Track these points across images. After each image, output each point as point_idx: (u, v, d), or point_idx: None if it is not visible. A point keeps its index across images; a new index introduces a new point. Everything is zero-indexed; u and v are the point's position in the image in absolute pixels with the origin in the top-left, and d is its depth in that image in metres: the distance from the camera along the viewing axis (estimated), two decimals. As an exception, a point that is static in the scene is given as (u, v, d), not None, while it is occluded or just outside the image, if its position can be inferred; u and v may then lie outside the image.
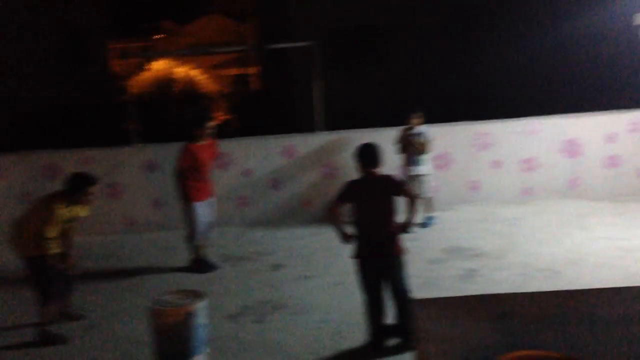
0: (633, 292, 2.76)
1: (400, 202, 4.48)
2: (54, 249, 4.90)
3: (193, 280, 6.03)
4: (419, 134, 7.18)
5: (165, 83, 33.13)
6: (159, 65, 35.03)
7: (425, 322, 2.52)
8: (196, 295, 3.54)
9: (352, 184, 4.54)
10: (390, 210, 4.42)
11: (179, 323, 3.38)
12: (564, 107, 8.54)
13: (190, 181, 6.19)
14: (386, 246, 4.41)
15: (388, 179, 4.54)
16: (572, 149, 7.80)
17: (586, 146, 7.81)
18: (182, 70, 35.24)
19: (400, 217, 4.46)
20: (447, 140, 7.85)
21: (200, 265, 6.40)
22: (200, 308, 3.48)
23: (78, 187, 4.89)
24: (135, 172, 7.81)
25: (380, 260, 4.44)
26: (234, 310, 5.34)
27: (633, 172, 7.85)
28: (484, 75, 14.49)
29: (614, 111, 7.98)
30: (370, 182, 4.48)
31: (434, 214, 7.32)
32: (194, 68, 36.17)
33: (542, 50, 13.19)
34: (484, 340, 2.35)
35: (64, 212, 4.84)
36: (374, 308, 4.52)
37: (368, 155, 4.52)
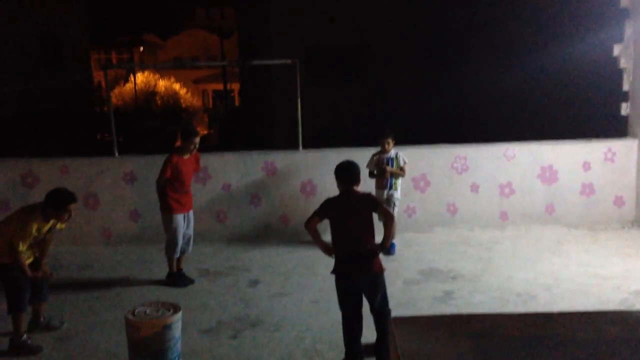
0: (607, 317, 2.81)
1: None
2: (27, 258, 4.84)
3: (169, 294, 5.97)
4: (392, 158, 7.08)
5: (147, 96, 33.06)
6: (140, 78, 34.96)
7: (403, 340, 2.52)
8: (172, 308, 3.51)
9: (331, 201, 4.59)
10: (369, 228, 4.45)
11: (155, 335, 3.34)
12: (542, 134, 8.71)
13: (171, 192, 6.18)
14: (365, 263, 4.41)
15: (367, 196, 4.62)
16: (548, 175, 7.93)
17: (562, 173, 7.94)
18: (163, 84, 35.22)
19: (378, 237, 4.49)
20: (426, 162, 7.92)
21: (177, 278, 6.35)
22: (177, 321, 3.45)
23: (58, 204, 4.81)
24: (114, 184, 7.73)
25: (359, 277, 4.44)
26: (210, 325, 5.29)
27: (608, 201, 7.99)
28: (462, 98, 14.72)
29: (591, 139, 8.14)
30: (349, 199, 4.52)
31: (394, 240, 7.15)
32: (175, 82, 36.18)
33: (521, 78, 13.45)
34: (462, 359, 2.37)
35: (40, 226, 4.79)
36: (350, 326, 4.51)
37: (348, 172, 4.58)
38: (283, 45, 15.88)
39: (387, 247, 4.53)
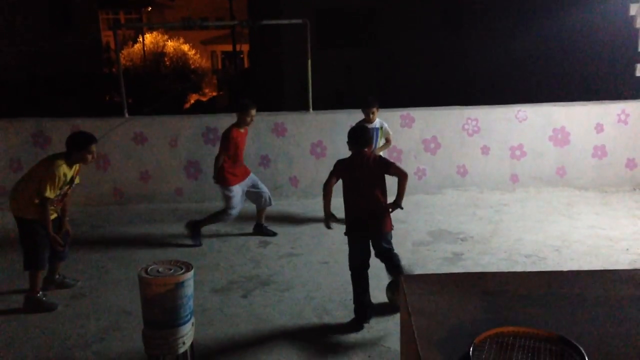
0: (616, 276, 2.82)
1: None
2: (52, 213, 4.89)
3: (181, 253, 6.04)
4: (377, 129, 6.59)
5: (155, 57, 32.84)
6: (149, 39, 34.69)
7: (413, 297, 2.55)
8: (185, 266, 3.55)
9: (344, 162, 4.69)
10: (380, 188, 4.56)
11: (167, 293, 3.39)
12: (555, 96, 8.60)
13: (228, 166, 6.23)
14: (377, 222, 4.56)
15: (379, 158, 4.70)
16: (560, 137, 7.86)
17: (575, 135, 7.87)
18: (172, 45, 34.94)
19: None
20: (437, 124, 7.87)
21: (264, 229, 6.68)
22: (189, 279, 3.49)
23: (80, 144, 4.85)
24: (123, 144, 7.76)
25: (370, 235, 4.60)
26: (221, 285, 5.37)
27: (620, 163, 7.94)
28: (475, 61, 14.51)
29: (604, 101, 8.04)
30: (362, 161, 4.59)
31: None
32: (184, 43, 35.87)
33: (535, 40, 13.22)
34: (471, 316, 2.39)
35: (65, 170, 4.81)
36: (360, 285, 4.63)
37: (360, 135, 4.70)
38: (293, 6, 15.64)
39: (400, 205, 4.62)
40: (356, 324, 4.57)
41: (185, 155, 7.78)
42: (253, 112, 6.25)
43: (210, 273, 5.61)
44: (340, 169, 4.66)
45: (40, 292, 5.01)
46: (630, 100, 8.03)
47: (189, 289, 3.54)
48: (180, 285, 3.45)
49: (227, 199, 6.33)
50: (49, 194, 4.74)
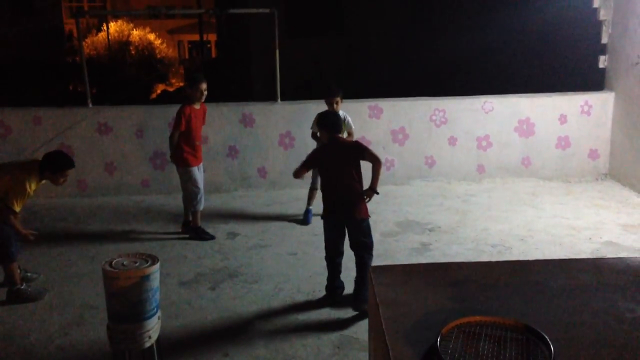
0: (579, 265, 2.86)
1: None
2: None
3: (146, 246, 5.95)
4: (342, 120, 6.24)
5: (121, 46, 32.23)
6: (114, 27, 34.01)
7: (380, 288, 2.55)
8: (150, 258, 3.49)
9: (319, 150, 4.87)
10: (356, 173, 4.63)
11: (133, 286, 3.33)
12: (521, 88, 8.70)
13: (185, 146, 6.01)
14: (352, 208, 4.61)
15: (354, 143, 4.80)
16: (525, 128, 7.97)
17: (539, 126, 7.99)
18: (137, 34, 34.33)
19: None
20: (405, 115, 7.90)
21: (201, 232, 6.27)
22: (155, 272, 3.43)
23: (56, 166, 4.74)
24: (87, 135, 7.59)
25: (345, 222, 4.66)
26: (188, 277, 5.31)
27: (583, 153, 8.09)
28: (442, 51, 14.60)
29: (568, 93, 8.17)
30: (337, 147, 4.68)
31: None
32: (150, 32, 35.27)
33: (501, 31, 13.35)
34: (438, 306, 2.40)
35: (34, 186, 4.71)
36: (332, 270, 4.77)
37: (333, 122, 4.78)
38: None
39: (376, 190, 4.70)
40: (326, 300, 4.75)
41: (151, 146, 7.65)
42: (203, 86, 5.97)
43: (177, 265, 5.54)
44: (313, 160, 4.76)
45: (24, 285, 4.93)
46: (594, 91, 8.18)
47: (155, 282, 3.48)
48: (145, 278, 3.39)
49: (188, 180, 6.12)
50: (16, 207, 4.64)
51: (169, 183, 7.64)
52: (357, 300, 4.66)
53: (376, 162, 4.66)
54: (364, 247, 4.68)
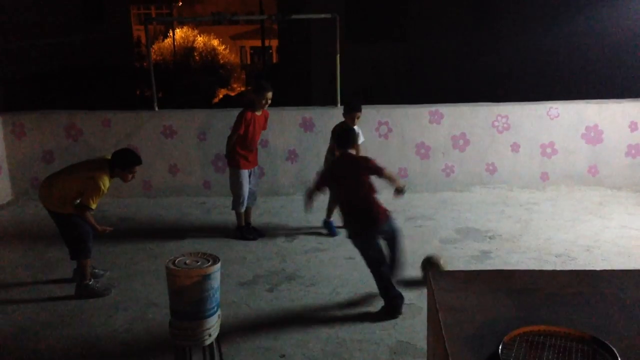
0: (652, 277, 2.74)
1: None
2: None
3: (208, 246, 6.08)
4: (358, 133, 6.16)
5: (185, 51, 33.11)
6: (179, 34, 34.99)
7: (441, 293, 2.52)
8: (212, 258, 3.56)
9: (330, 169, 5.00)
10: (369, 184, 4.68)
11: (194, 285, 3.41)
12: (588, 94, 8.42)
13: (240, 149, 6.19)
14: (372, 217, 4.62)
15: (367, 160, 4.80)
16: (593, 135, 7.71)
17: (607, 133, 7.71)
18: (202, 40, 35.19)
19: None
20: (466, 120, 7.78)
21: (245, 231, 6.43)
22: (216, 271, 3.51)
23: (126, 164, 4.94)
24: (153, 137, 7.83)
25: (372, 232, 4.66)
26: (247, 278, 5.39)
27: (654, 162, 7.75)
28: (506, 56, 14.30)
29: (638, 99, 7.85)
30: (349, 161, 4.80)
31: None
32: (214, 38, 36.10)
33: (568, 36, 12.98)
34: (500, 313, 2.35)
35: (108, 183, 4.90)
36: (382, 280, 4.67)
37: (349, 137, 4.90)
38: (322, 0, 15.60)
39: (402, 188, 4.80)
40: (390, 314, 4.63)
41: (213, 148, 7.82)
42: (269, 94, 6.08)
43: (236, 266, 5.64)
44: (324, 180, 4.86)
45: (92, 280, 5.13)
46: (667, 98, 7.83)
47: (216, 282, 3.55)
48: (207, 277, 3.46)
49: (235, 181, 6.28)
50: (93, 205, 4.85)
51: (229, 185, 7.76)
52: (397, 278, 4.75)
53: (381, 171, 4.68)
54: (393, 234, 4.76)
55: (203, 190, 7.91)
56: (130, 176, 5.01)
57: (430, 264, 5.14)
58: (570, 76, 12.77)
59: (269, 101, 6.16)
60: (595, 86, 10.63)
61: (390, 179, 4.72)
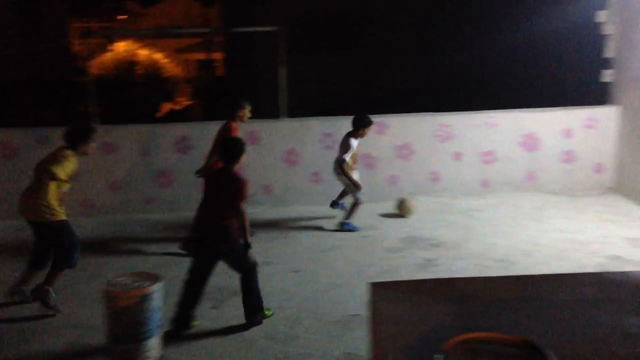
0: (584, 279, 2.83)
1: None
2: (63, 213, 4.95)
3: (149, 265, 5.94)
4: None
5: (128, 65, 32.48)
6: (121, 47, 34.31)
7: (383, 304, 2.52)
8: (152, 278, 3.48)
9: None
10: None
11: (134, 306, 3.32)
12: (525, 103, 8.70)
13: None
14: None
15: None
16: (530, 143, 7.95)
17: (544, 140, 7.97)
18: (144, 53, 34.59)
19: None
20: (410, 130, 7.90)
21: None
22: (156, 291, 3.43)
23: (82, 136, 5.02)
24: (93, 153, 7.58)
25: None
26: (191, 295, 5.27)
27: (588, 167, 8.05)
28: (447, 67, 14.64)
29: (572, 107, 8.16)
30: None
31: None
32: (157, 51, 35.55)
33: (504, 47, 13.40)
34: (440, 322, 2.37)
35: (74, 160, 4.95)
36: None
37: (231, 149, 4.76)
38: (268, 13, 15.60)
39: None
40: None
41: (156, 164, 7.67)
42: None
43: (180, 284, 5.50)
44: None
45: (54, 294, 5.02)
46: (597, 105, 8.16)
47: (156, 302, 3.48)
48: (146, 297, 3.39)
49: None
50: (61, 174, 4.82)
51: (174, 201, 7.65)
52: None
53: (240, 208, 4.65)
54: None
55: (145, 207, 7.74)
56: (93, 145, 5.16)
57: (403, 205, 7.09)
58: (508, 86, 13.17)
59: (249, 114, 6.51)
60: (532, 95, 10.99)
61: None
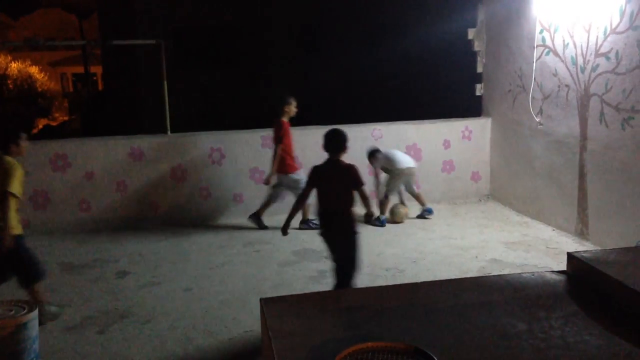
0: (464, 284, 2.97)
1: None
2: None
3: (23, 292, 5.51)
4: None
5: (-3, 79, 30.31)
6: (-11, 60, 31.97)
7: (272, 319, 2.51)
8: (27, 305, 3.24)
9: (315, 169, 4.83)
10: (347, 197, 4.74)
11: (8, 336, 3.07)
12: (408, 115, 9.06)
13: (288, 157, 7.09)
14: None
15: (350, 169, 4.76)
16: (413, 153, 8.27)
17: (426, 151, 8.33)
18: (16, 66, 32.48)
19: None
20: (297, 143, 7.93)
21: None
22: (32, 319, 3.19)
23: (10, 138, 4.65)
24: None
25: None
26: (74, 322, 4.97)
27: (466, 176, 8.52)
28: (331, 81, 14.97)
29: (450, 119, 8.61)
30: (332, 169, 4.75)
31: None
32: (30, 65, 33.48)
33: (388, 62, 13.94)
34: (332, 334, 2.39)
35: (19, 165, 4.59)
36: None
37: (333, 141, 4.78)
38: (148, 25, 15.18)
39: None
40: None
41: (31, 184, 7.19)
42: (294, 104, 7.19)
43: (62, 310, 5.19)
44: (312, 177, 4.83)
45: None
46: (472, 117, 8.67)
47: (33, 331, 3.25)
48: (22, 327, 3.15)
49: (296, 182, 6.94)
50: (17, 189, 4.42)
51: (51, 223, 7.20)
52: None
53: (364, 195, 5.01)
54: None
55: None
56: (25, 144, 4.78)
57: (395, 211, 7.53)
58: (391, 99, 13.70)
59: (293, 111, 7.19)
60: (413, 109, 11.49)
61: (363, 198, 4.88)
